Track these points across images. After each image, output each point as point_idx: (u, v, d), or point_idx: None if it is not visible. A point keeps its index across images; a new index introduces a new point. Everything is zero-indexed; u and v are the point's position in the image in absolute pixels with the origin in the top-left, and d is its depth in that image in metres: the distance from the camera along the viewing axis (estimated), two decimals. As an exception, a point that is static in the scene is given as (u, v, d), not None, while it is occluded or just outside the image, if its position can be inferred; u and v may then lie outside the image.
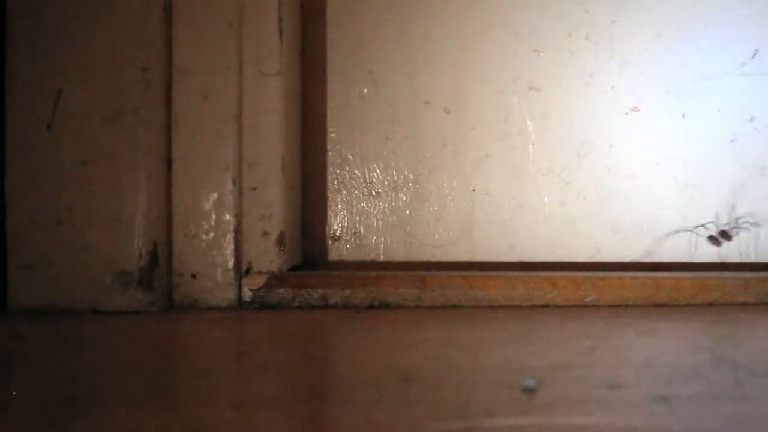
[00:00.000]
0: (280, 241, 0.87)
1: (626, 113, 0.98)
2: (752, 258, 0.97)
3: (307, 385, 0.55)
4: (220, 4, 0.84)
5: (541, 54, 0.98)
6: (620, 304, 0.85)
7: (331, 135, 0.99)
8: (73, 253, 0.80)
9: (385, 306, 0.85)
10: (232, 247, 0.84)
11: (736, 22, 0.98)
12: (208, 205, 0.84)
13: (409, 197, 0.99)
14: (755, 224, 0.96)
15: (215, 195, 0.84)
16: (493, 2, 0.99)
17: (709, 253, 0.98)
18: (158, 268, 0.82)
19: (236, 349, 0.70)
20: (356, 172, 0.99)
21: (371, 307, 0.85)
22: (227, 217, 0.84)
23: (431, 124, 0.99)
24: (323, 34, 0.99)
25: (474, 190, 0.99)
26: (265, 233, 0.87)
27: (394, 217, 0.99)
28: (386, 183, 0.99)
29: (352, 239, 0.99)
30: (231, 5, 0.84)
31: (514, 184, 0.99)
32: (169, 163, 0.84)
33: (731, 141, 0.98)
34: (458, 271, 0.92)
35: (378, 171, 0.99)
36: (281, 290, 0.85)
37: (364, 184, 0.99)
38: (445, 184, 0.99)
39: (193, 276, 0.84)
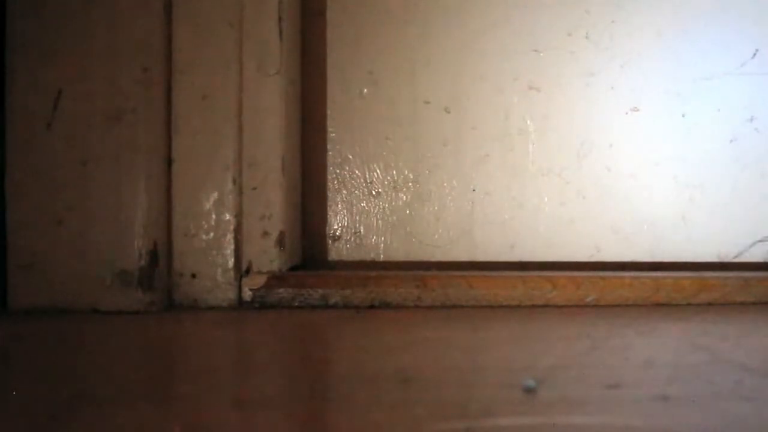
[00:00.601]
0: (280, 241, 0.87)
1: (626, 113, 0.98)
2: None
3: (307, 385, 0.55)
4: (220, 3, 0.84)
5: (541, 54, 0.98)
6: (620, 304, 0.85)
7: (331, 135, 0.99)
8: (73, 253, 0.80)
9: (385, 306, 0.85)
10: (232, 247, 0.84)
11: (736, 22, 0.98)
12: (208, 205, 0.84)
13: (409, 197, 0.99)
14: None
15: (215, 195, 0.84)
16: (493, 2, 0.99)
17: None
18: (158, 267, 0.82)
19: (236, 349, 0.70)
20: (356, 171, 0.99)
21: (371, 306, 0.85)
22: (227, 216, 0.84)
23: (431, 124, 0.99)
24: (323, 34, 0.99)
25: (474, 190, 0.99)
26: (265, 233, 0.87)
27: (394, 217, 0.99)
28: (386, 183, 0.99)
29: (352, 239, 0.99)
30: (231, 5, 0.84)
31: (514, 184, 0.99)
32: (169, 163, 0.84)
33: (731, 141, 0.98)
34: (458, 271, 0.92)
35: (378, 171, 0.99)
36: (281, 290, 0.85)
37: (364, 184, 0.99)
38: (445, 184, 0.99)
39: (193, 276, 0.84)
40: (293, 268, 0.92)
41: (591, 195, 0.98)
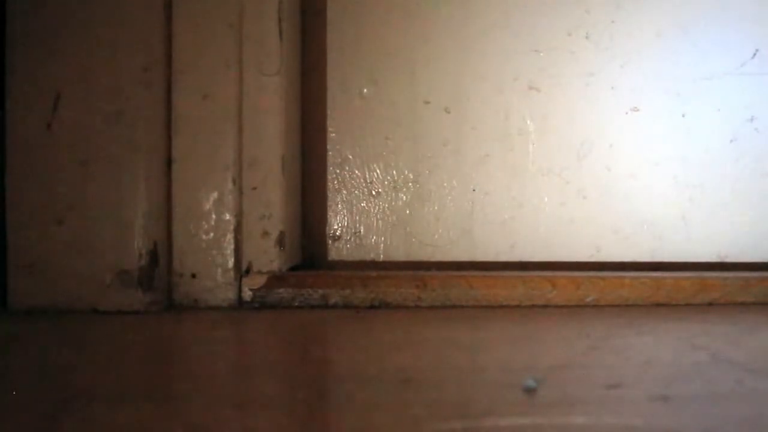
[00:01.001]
0: (280, 241, 0.87)
1: (626, 113, 0.98)
2: None
3: (307, 385, 0.55)
4: (220, 4, 0.84)
5: (541, 54, 0.98)
6: (620, 304, 0.85)
7: (331, 135, 0.99)
8: (73, 253, 0.80)
9: (385, 306, 0.85)
10: (232, 246, 0.84)
11: (736, 22, 0.98)
12: (208, 205, 0.84)
13: (409, 197, 0.99)
14: None
15: (215, 195, 0.84)
16: (493, 2, 0.99)
17: None
18: (158, 267, 0.82)
19: (236, 349, 0.70)
20: (356, 171, 0.99)
21: (371, 307, 0.85)
22: (227, 216, 0.84)
23: (431, 124, 0.99)
24: (323, 35, 0.99)
25: (474, 190, 0.99)
26: (265, 233, 0.87)
27: (394, 217, 0.99)
28: (386, 183, 0.99)
29: (352, 239, 0.99)
30: (231, 5, 0.84)
31: (514, 184, 0.99)
32: (169, 163, 0.84)
33: (731, 141, 0.98)
34: (458, 271, 0.92)
35: (378, 171, 0.99)
36: (281, 290, 0.85)
37: (364, 184, 0.99)
38: (445, 184, 0.99)
39: (193, 276, 0.84)
40: (293, 268, 0.92)
41: (591, 195, 0.98)
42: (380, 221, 0.99)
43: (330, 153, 0.99)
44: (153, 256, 0.81)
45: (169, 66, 0.84)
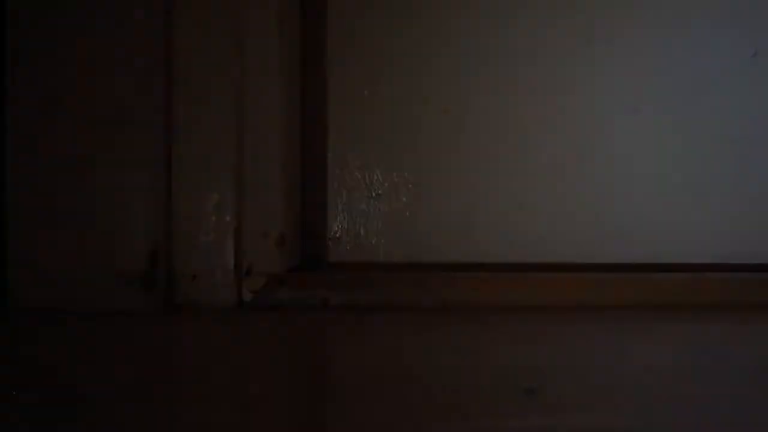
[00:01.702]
0: (281, 242, 0.87)
1: (626, 113, 0.98)
2: None
3: (307, 385, 0.55)
4: (220, 4, 0.84)
5: (541, 54, 0.98)
6: (620, 305, 0.85)
7: (331, 135, 0.99)
8: (73, 253, 0.80)
9: (386, 307, 0.85)
10: (232, 248, 0.84)
11: (736, 22, 0.98)
12: (208, 206, 0.84)
13: (409, 198, 0.99)
14: None
15: (215, 196, 0.84)
16: (493, 2, 0.99)
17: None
18: (158, 268, 0.82)
19: (236, 350, 0.70)
20: (356, 173, 0.99)
21: (371, 308, 0.85)
22: (227, 217, 0.84)
23: (431, 124, 0.99)
24: (323, 34, 0.99)
25: (474, 190, 0.99)
26: (265, 234, 0.87)
27: (395, 218, 0.99)
28: (386, 184, 0.99)
29: (352, 240, 0.99)
30: (231, 5, 0.84)
31: (514, 184, 0.99)
32: (169, 164, 0.84)
33: (731, 141, 0.98)
34: (458, 271, 0.92)
35: (378, 172, 0.99)
36: (281, 291, 0.85)
37: (364, 185, 0.99)
38: (445, 185, 0.99)
39: (193, 277, 0.84)
40: (293, 269, 0.92)
41: (591, 195, 0.98)
42: (380, 222, 0.99)
43: (330, 153, 0.99)
44: (153, 257, 0.81)
45: (169, 66, 0.84)
